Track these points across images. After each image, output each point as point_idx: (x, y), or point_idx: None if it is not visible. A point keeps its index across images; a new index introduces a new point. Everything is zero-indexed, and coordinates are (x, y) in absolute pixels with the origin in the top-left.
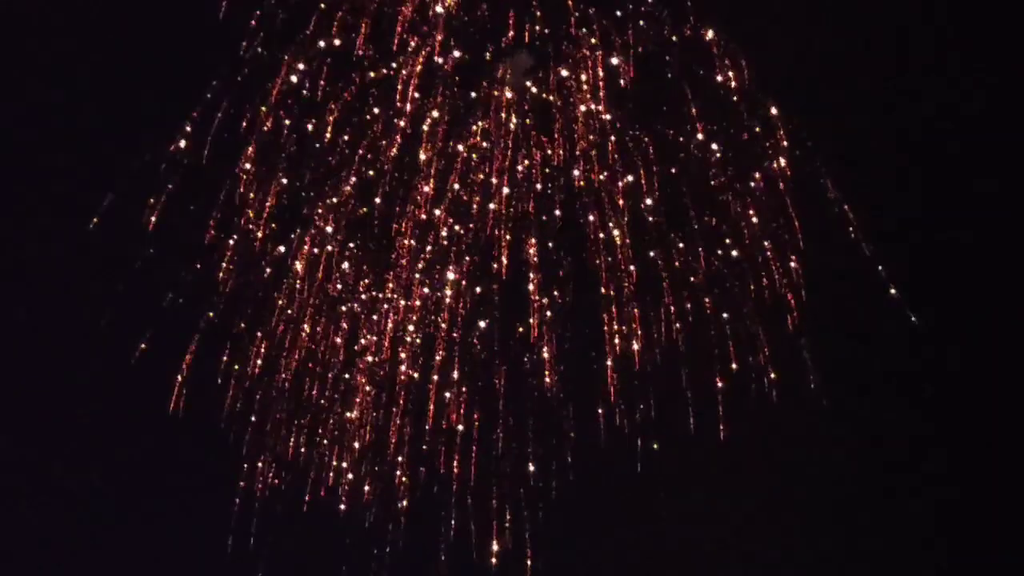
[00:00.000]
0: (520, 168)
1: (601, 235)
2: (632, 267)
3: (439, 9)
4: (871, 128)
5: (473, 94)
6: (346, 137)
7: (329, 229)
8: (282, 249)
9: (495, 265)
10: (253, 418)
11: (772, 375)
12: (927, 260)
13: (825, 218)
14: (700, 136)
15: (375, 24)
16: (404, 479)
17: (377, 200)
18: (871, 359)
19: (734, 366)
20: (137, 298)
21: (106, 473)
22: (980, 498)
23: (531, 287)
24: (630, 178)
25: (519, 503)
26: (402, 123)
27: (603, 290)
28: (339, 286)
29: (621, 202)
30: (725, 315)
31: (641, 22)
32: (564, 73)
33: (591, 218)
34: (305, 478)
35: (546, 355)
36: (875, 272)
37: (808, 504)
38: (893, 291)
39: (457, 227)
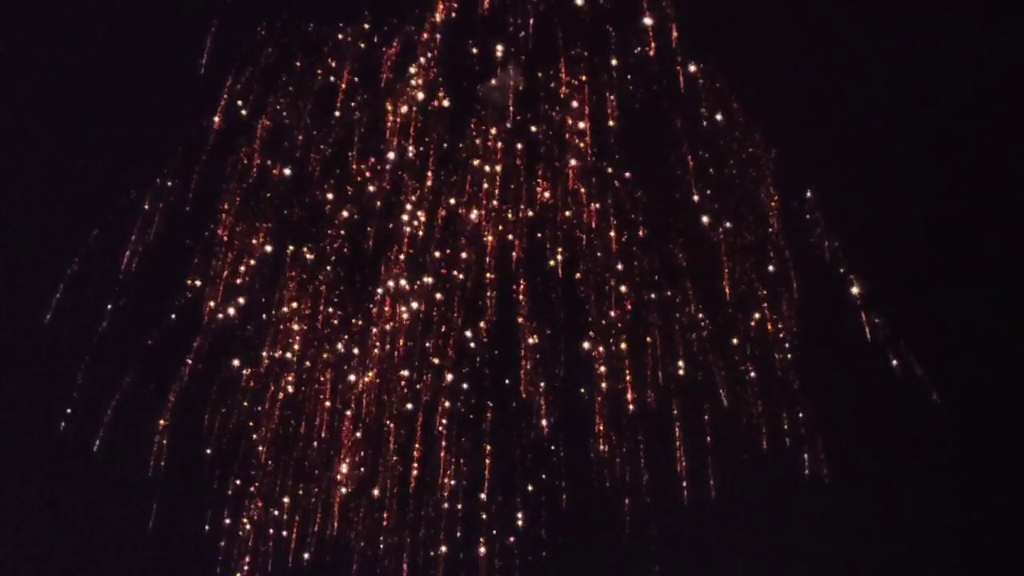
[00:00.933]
0: (508, 208)
1: (591, 276)
2: (628, 305)
3: (426, 49)
4: (865, 163)
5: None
6: (331, 181)
7: (315, 269)
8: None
9: (481, 304)
10: (239, 459)
11: (760, 409)
12: (924, 297)
13: (817, 256)
14: (691, 173)
15: (361, 64)
16: (392, 523)
17: (364, 236)
18: (866, 401)
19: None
20: (120, 339)
21: (82, 520)
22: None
23: (520, 320)
24: (619, 218)
25: (509, 551)
26: (388, 166)
27: (592, 334)
28: (326, 328)
29: (613, 235)
30: (716, 355)
31: (630, 60)
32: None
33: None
34: (291, 525)
35: (536, 398)
36: (868, 312)
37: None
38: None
39: (444, 269)
